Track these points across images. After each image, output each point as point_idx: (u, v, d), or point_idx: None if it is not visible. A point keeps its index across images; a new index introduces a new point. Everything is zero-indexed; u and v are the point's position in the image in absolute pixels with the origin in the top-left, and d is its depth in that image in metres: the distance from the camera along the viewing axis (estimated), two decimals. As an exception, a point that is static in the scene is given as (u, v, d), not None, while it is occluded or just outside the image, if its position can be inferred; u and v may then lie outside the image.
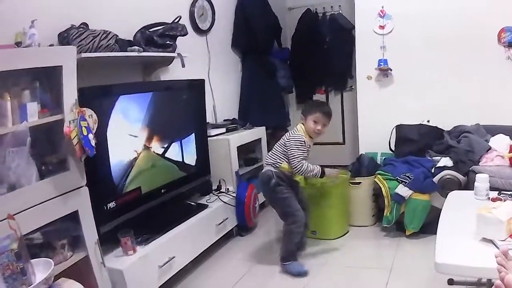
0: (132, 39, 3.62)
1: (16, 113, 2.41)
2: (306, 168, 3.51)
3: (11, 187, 2.37)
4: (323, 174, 3.58)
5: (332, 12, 5.98)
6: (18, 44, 2.65)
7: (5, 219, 2.07)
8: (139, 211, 3.40)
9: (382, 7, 4.61)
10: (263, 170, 3.75)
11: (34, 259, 2.18)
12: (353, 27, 4.99)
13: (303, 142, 3.55)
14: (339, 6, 5.94)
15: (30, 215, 2.36)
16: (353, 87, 5.42)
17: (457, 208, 2.70)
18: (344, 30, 5.60)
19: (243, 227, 4.47)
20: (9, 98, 2.37)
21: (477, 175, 2.90)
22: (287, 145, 3.57)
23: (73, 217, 2.70)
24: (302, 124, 3.65)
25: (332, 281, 3.49)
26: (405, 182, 3.93)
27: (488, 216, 2.12)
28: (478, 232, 2.17)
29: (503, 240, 2.07)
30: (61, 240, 2.65)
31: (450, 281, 3.11)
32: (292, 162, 3.52)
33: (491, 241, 2.09)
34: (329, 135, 6.13)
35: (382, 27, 4.65)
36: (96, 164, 2.93)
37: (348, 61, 5.35)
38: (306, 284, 3.44)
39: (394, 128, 4.61)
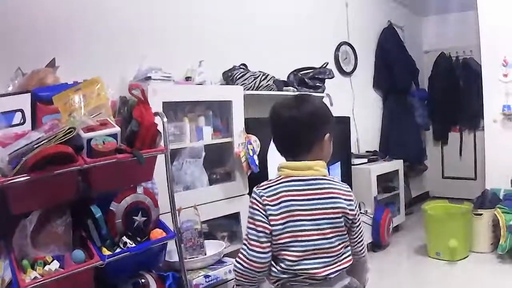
0: (285, 79, 3.83)
1: (193, 133, 2.80)
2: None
3: (186, 187, 2.75)
4: None
5: (465, 56, 5.83)
6: (187, 78, 3.01)
7: (191, 206, 2.49)
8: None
9: (505, 56, 4.41)
10: None
11: (209, 240, 2.61)
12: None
13: None
14: (471, 51, 5.69)
15: (200, 210, 2.63)
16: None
17: None
18: (475, 73, 5.43)
19: (377, 244, 4.44)
20: (187, 121, 2.78)
21: None
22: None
23: (235, 217, 3.00)
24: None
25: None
26: (519, 216, 3.81)
27: None
28: None
29: None
30: (222, 233, 2.98)
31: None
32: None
33: None
34: (463, 171, 5.96)
35: (505, 75, 4.47)
36: (257, 178, 3.19)
37: (480, 102, 5.22)
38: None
39: (515, 168, 4.40)
